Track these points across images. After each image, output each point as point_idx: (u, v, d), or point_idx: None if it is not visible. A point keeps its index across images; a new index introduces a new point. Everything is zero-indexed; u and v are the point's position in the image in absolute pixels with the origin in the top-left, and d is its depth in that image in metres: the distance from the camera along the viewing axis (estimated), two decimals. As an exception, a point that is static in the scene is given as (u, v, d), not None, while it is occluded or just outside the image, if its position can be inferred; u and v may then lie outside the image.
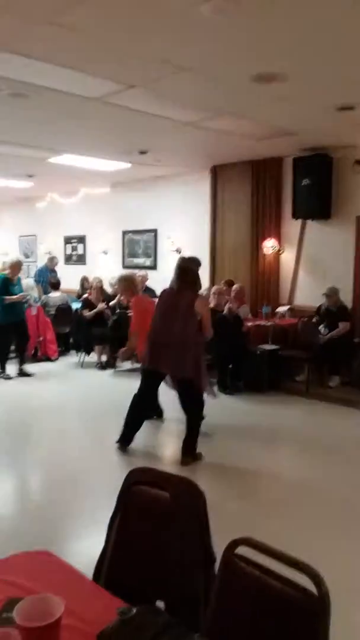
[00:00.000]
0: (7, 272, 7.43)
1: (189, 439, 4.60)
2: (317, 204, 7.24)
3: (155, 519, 1.79)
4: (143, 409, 4.74)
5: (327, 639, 1.30)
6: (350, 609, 2.65)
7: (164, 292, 4.66)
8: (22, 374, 7.52)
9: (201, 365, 4.50)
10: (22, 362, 7.59)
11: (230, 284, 7.82)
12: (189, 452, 4.59)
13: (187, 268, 4.53)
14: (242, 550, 1.48)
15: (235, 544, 1.48)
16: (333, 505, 3.83)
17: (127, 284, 5.84)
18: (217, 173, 8.47)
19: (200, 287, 4.66)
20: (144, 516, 1.83)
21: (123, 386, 6.98)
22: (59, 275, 10.05)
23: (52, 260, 10.32)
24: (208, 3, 3.19)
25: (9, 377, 7.37)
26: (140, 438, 4.83)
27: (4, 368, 7.48)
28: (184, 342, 4.39)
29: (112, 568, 1.85)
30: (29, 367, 7.67)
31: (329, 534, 3.42)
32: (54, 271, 10.18)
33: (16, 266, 7.46)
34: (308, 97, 5.05)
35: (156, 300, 4.94)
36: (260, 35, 3.67)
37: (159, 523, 1.78)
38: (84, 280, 9.87)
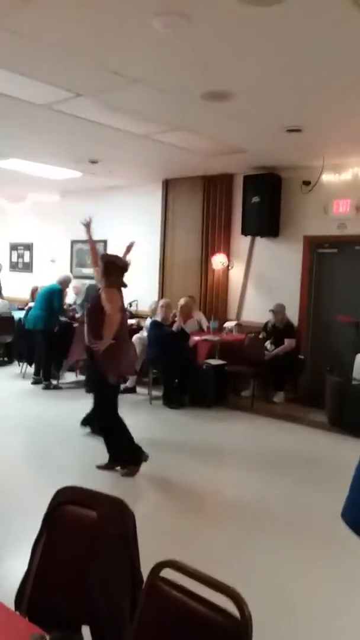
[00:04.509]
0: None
1: (107, 446, 4.54)
2: (266, 221, 7.37)
3: (82, 540, 1.72)
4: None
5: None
6: (281, 626, 2.64)
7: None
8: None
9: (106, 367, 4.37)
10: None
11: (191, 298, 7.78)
12: (110, 460, 4.53)
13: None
14: (169, 572, 1.43)
15: (159, 566, 1.43)
16: (272, 523, 3.83)
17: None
18: (169, 186, 8.50)
19: (114, 279, 4.42)
20: (70, 537, 1.75)
21: (60, 400, 6.84)
22: (2, 282, 9.80)
23: None
24: (159, 17, 3.19)
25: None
26: (86, 457, 4.70)
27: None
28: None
29: (35, 592, 1.76)
30: None
31: (266, 552, 3.42)
32: None
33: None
34: (258, 117, 5.14)
35: None
36: (211, 53, 3.70)
37: (85, 544, 1.70)
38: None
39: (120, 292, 4.47)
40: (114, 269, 4.45)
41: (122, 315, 4.42)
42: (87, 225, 5.00)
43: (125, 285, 4.49)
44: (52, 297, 7.48)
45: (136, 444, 4.53)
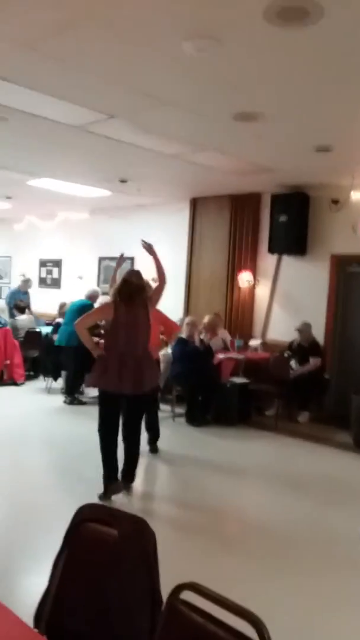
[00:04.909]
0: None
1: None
2: (293, 240, 7.35)
3: (102, 558, 1.71)
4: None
5: None
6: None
7: None
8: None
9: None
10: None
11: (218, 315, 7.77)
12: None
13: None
14: (188, 594, 1.42)
15: (179, 588, 1.42)
16: (294, 546, 3.75)
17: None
18: (197, 205, 8.57)
19: (113, 293, 4.47)
20: (91, 555, 1.75)
21: (83, 415, 6.85)
22: (31, 298, 9.94)
23: (27, 282, 10.19)
24: (191, 41, 3.25)
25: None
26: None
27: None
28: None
29: (54, 610, 1.76)
30: None
31: (287, 576, 3.35)
32: (26, 293, 10.05)
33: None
34: (287, 137, 5.17)
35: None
36: (241, 75, 3.75)
37: (106, 563, 1.70)
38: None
39: (122, 306, 4.34)
40: (121, 283, 4.47)
41: (115, 327, 4.33)
42: (149, 247, 5.01)
43: (127, 300, 4.36)
44: (84, 312, 7.42)
45: (110, 470, 4.35)
